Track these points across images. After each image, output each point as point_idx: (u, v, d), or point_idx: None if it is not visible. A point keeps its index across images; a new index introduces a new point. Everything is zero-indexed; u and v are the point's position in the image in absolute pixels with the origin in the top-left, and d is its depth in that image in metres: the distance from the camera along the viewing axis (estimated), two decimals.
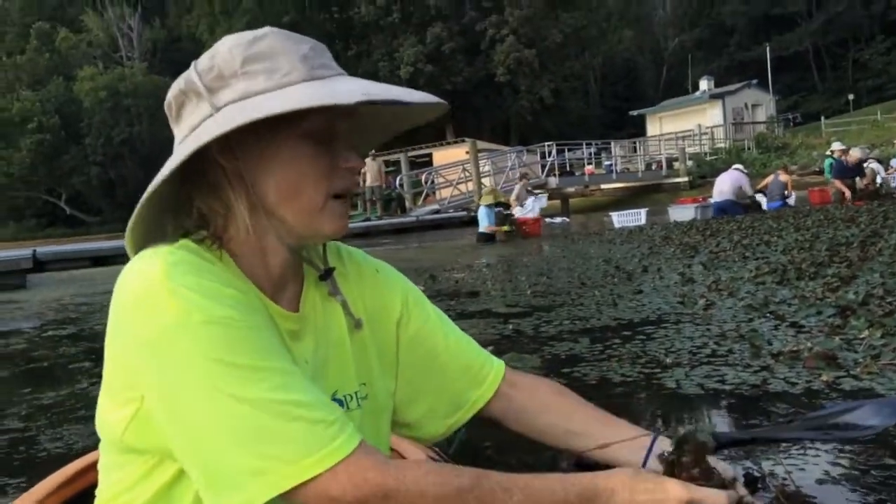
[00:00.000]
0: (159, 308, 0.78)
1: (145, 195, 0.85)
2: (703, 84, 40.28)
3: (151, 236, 0.90)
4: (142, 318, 0.78)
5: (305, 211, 0.87)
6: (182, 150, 0.83)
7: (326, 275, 1.00)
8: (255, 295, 0.89)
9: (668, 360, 2.83)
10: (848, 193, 12.22)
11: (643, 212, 15.17)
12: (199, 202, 0.89)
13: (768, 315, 3.47)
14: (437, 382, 1.08)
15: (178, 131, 0.90)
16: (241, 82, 0.85)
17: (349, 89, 0.82)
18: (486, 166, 23.78)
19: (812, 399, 2.20)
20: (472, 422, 1.14)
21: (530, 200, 16.59)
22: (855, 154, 13.41)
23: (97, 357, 4.33)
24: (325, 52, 0.90)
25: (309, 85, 0.84)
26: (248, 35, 0.89)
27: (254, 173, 0.87)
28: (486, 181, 21.78)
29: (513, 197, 16.06)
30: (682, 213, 14.06)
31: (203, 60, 0.89)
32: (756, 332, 3.10)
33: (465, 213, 20.94)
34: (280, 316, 0.92)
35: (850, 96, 43.64)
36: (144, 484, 0.85)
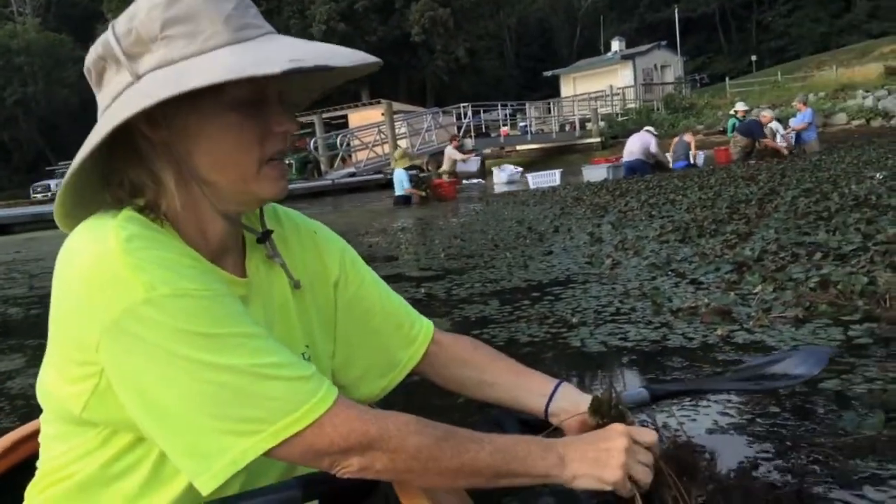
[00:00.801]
0: (121, 284, 0.75)
1: (71, 169, 0.81)
2: (615, 45, 40.83)
3: (85, 209, 0.86)
4: (103, 296, 0.75)
5: (240, 179, 0.85)
6: (103, 124, 0.80)
7: (264, 237, 0.99)
8: (206, 263, 0.87)
9: (574, 320, 2.90)
10: (785, 152, 12.56)
11: (558, 172, 15.42)
12: (129, 173, 0.86)
13: (670, 273, 3.60)
14: (372, 343, 1.10)
15: (101, 98, 0.86)
16: (162, 48, 0.81)
17: (276, 57, 0.78)
18: (402, 128, 23.61)
19: (708, 353, 2.30)
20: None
21: (472, 159, 17.73)
22: (768, 115, 13.97)
23: None
24: (251, 8, 0.85)
25: (232, 50, 0.80)
26: None
27: (182, 144, 0.84)
28: (402, 143, 21.62)
29: (448, 156, 16.82)
30: (595, 173, 14.37)
31: (121, 23, 0.83)
32: (658, 290, 3.21)
33: (381, 175, 20.77)
34: (230, 282, 0.90)
35: (753, 58, 45.14)
36: (95, 454, 0.85)
